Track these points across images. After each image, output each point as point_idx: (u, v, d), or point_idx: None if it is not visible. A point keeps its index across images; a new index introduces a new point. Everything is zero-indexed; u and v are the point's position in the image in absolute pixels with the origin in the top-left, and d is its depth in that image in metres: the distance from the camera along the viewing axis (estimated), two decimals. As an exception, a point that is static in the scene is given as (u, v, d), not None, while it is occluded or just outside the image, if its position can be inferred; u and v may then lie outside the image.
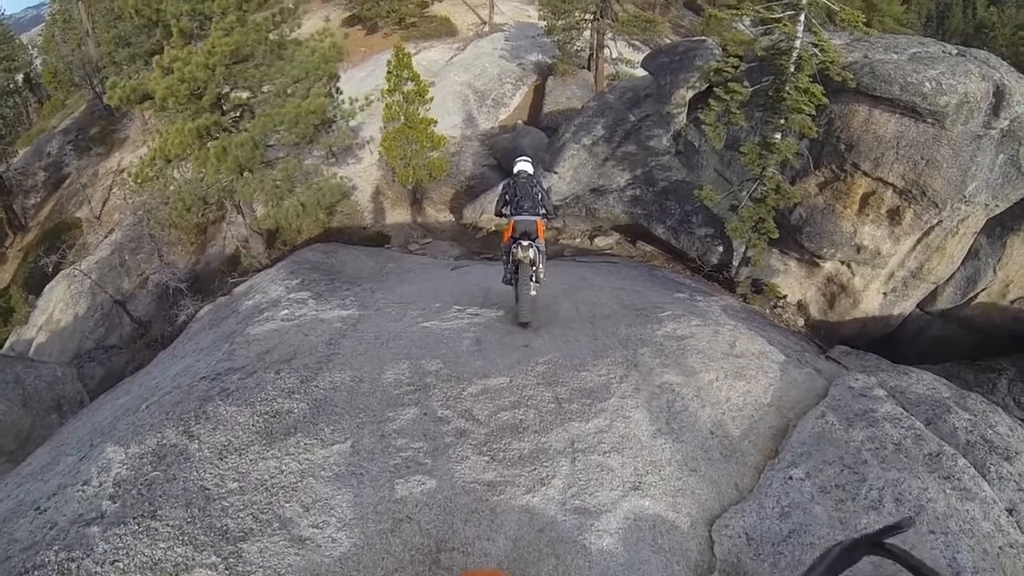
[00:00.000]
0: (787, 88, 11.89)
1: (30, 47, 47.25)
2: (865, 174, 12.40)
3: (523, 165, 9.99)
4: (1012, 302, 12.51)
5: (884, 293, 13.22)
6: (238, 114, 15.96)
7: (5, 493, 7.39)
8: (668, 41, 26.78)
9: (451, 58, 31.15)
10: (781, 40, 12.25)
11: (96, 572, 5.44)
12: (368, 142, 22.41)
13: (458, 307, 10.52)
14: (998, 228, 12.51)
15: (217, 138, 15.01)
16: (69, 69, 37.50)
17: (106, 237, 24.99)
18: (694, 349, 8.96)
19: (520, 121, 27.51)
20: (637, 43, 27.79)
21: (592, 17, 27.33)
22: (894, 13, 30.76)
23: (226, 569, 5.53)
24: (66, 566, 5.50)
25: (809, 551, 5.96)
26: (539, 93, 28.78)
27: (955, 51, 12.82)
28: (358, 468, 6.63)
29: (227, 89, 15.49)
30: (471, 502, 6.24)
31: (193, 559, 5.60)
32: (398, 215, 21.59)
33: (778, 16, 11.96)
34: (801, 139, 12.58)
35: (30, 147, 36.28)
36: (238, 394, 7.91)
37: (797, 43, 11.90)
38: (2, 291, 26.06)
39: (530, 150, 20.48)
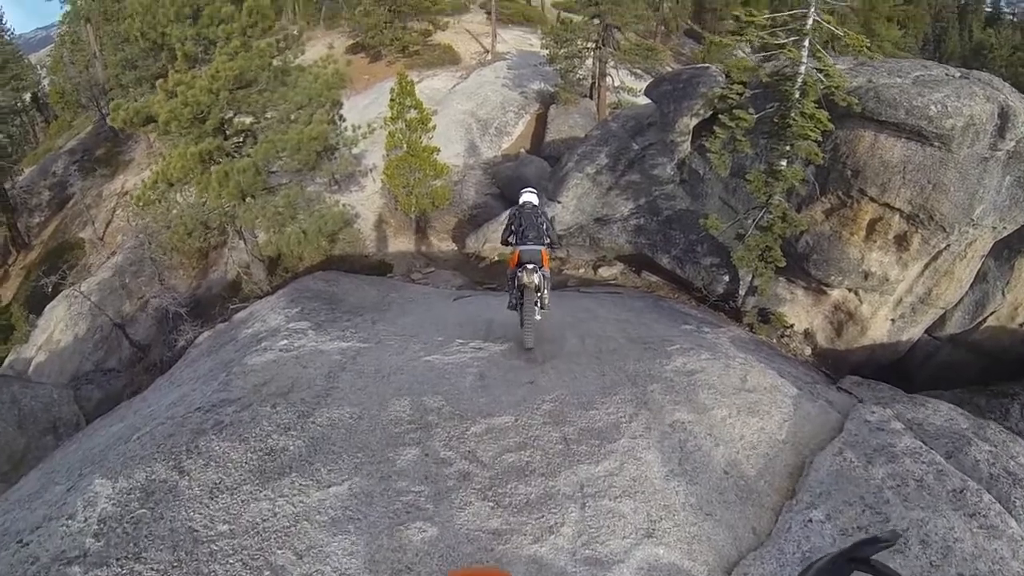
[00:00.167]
0: (792, 114, 11.63)
1: (39, 67, 47.52)
2: (872, 200, 12.11)
3: (529, 196, 9.95)
4: (1021, 325, 12.30)
5: (892, 320, 12.93)
6: (241, 139, 15.80)
7: (-10, 521, 6.98)
8: (670, 69, 26.65)
9: (454, 86, 31.05)
10: (785, 66, 12.09)
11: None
12: (371, 170, 22.24)
13: (461, 340, 10.11)
14: (1006, 251, 12.27)
15: (219, 163, 14.82)
16: (76, 90, 37.56)
17: (108, 259, 24.75)
18: (705, 384, 8.58)
19: (523, 150, 27.31)
20: (639, 71, 27.68)
21: (594, 46, 27.31)
22: (892, 37, 30.82)
23: (212, 623, 5.10)
24: (44, 609, 5.04)
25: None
26: (542, 122, 28.64)
27: (958, 73, 12.65)
28: (356, 513, 6.20)
29: (230, 114, 15.34)
30: (475, 551, 5.81)
31: (177, 610, 5.17)
32: (401, 244, 21.34)
33: (782, 42, 11.79)
34: (807, 166, 12.37)
35: (36, 166, 36.24)
36: (232, 428, 7.49)
37: (802, 68, 11.64)
38: (3, 309, 25.76)
39: (533, 179, 20.32)
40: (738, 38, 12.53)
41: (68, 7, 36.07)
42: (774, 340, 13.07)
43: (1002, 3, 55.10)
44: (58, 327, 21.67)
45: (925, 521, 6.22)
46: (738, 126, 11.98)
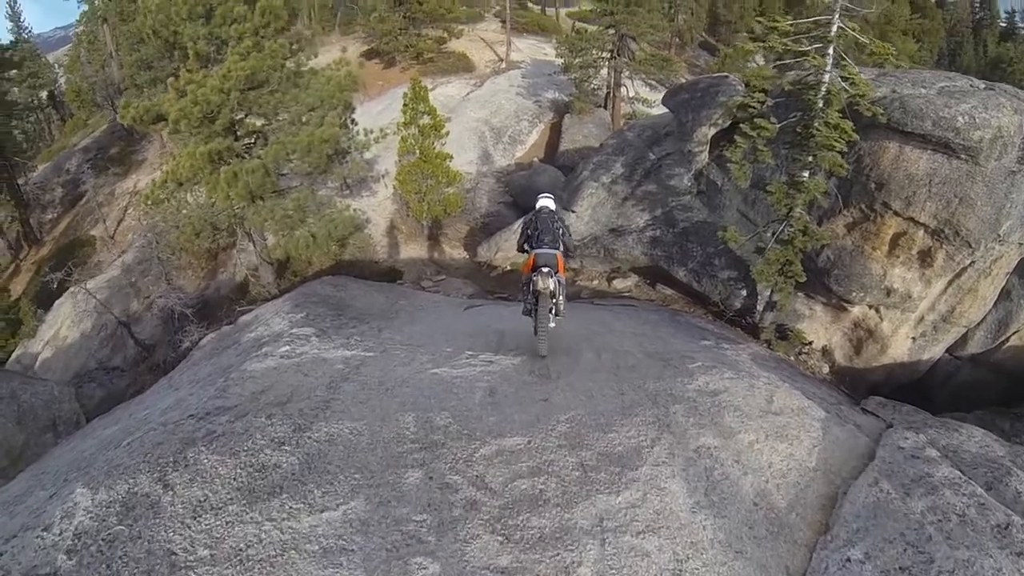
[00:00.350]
0: (816, 124, 11.20)
1: (56, 66, 47.55)
2: (896, 214, 11.57)
3: (545, 201, 9.61)
4: (1045, 345, 11.67)
5: (913, 338, 12.31)
6: (252, 141, 15.42)
7: (-28, 524, 6.51)
8: (684, 80, 26.10)
9: (468, 94, 30.55)
10: (808, 74, 11.65)
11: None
12: (383, 176, 21.74)
13: (471, 352, 9.44)
14: (1031, 268, 11.71)
15: (229, 163, 14.47)
16: (92, 89, 37.40)
17: (119, 257, 24.36)
18: (730, 406, 7.92)
19: (536, 159, 26.76)
20: (653, 82, 27.21)
21: (609, 55, 26.80)
22: (909, 51, 30.23)
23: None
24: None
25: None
26: (556, 131, 28.05)
27: (983, 85, 12.20)
28: (349, 543, 5.54)
29: (241, 115, 14.96)
30: (482, 594, 5.13)
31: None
32: (412, 250, 20.79)
33: (805, 49, 11.28)
34: (830, 178, 11.93)
35: (50, 163, 35.92)
36: (223, 440, 6.90)
37: (826, 77, 11.27)
38: (12, 303, 25.37)
39: (547, 188, 19.47)
40: (760, 44, 12.04)
41: (85, 7, 36.11)
42: (791, 357, 12.53)
43: (1016, 18, 54.48)
44: (65, 323, 21.33)
45: (971, 561, 5.67)
46: (760, 135, 11.50)
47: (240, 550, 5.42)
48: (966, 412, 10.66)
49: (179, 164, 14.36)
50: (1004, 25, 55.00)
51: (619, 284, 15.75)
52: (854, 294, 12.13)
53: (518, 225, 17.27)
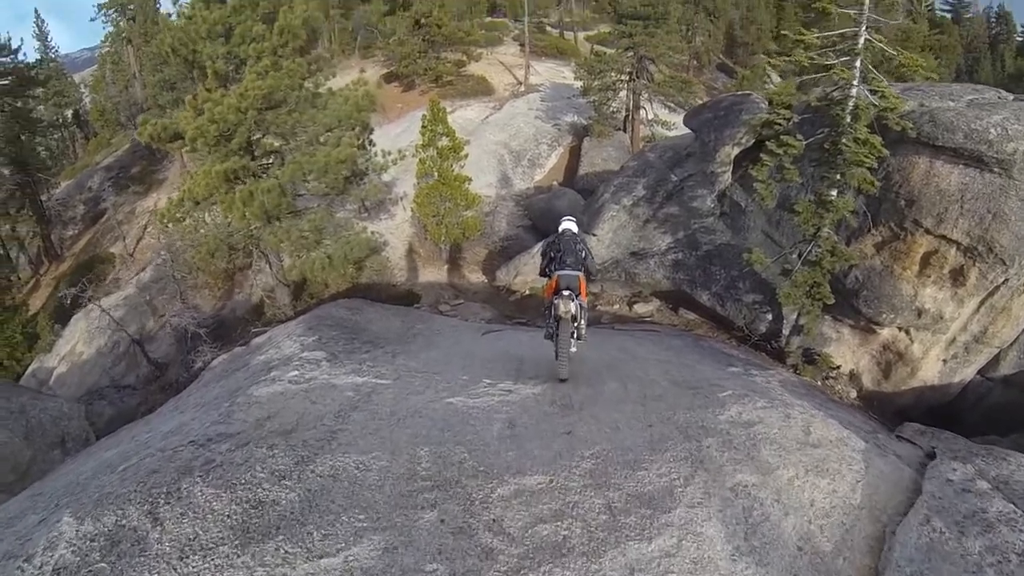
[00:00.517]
0: (844, 140, 10.77)
1: (82, 86, 48.06)
2: (927, 231, 11.10)
3: (568, 224, 9.46)
4: (1080, 366, 11.10)
5: (944, 360, 11.67)
6: (269, 160, 15.27)
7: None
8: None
9: (487, 117, 30.29)
10: (835, 88, 11.24)
11: None
12: (402, 198, 21.56)
13: (488, 380, 8.82)
14: (1065, 285, 11.20)
15: (245, 183, 14.31)
16: (116, 109, 37.79)
17: (137, 275, 24.22)
18: (766, 438, 7.27)
19: (556, 182, 26.40)
20: (672, 104, 26.77)
21: (628, 78, 26.42)
22: (930, 67, 29.57)
23: None
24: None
25: None
26: (575, 154, 27.71)
27: (1011, 96, 11.92)
28: (350, 598, 4.93)
29: (259, 135, 14.84)
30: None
31: None
32: (429, 274, 20.44)
33: (831, 62, 10.90)
34: (858, 196, 11.49)
35: (73, 180, 36.10)
36: (221, 470, 6.34)
37: (853, 91, 10.85)
38: (31, 317, 25.24)
39: (566, 212, 19.12)
40: (785, 59, 11.70)
41: (111, 28, 36.31)
42: (819, 383, 11.99)
43: None
44: (81, 339, 21.32)
45: (1037, 610, 4.98)
46: (786, 153, 11.15)
47: (228, 601, 4.84)
48: (1000, 436, 10.09)
49: (195, 183, 14.25)
50: (1021, 39, 54.43)
51: (640, 309, 15.16)
52: (884, 316, 11.64)
53: (537, 249, 16.87)
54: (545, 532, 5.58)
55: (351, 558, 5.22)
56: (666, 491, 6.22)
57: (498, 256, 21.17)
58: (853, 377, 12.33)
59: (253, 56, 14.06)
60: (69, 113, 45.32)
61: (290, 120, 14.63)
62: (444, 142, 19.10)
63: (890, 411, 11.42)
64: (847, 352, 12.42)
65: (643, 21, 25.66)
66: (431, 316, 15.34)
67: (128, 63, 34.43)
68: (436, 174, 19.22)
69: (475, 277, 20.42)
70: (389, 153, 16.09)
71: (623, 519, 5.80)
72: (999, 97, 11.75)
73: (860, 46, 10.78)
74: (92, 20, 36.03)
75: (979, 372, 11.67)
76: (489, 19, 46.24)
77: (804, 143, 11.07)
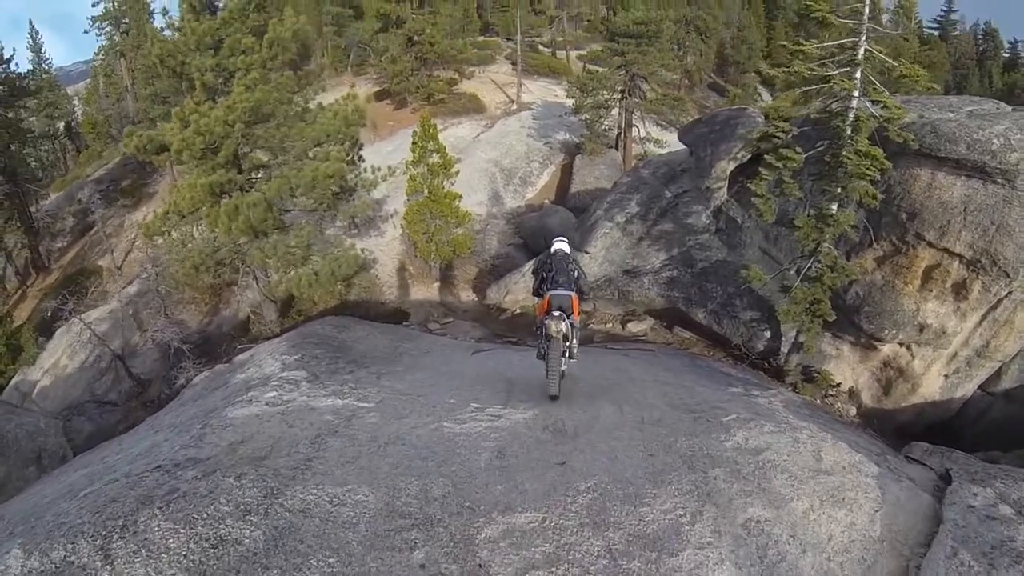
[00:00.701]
0: (845, 152, 10.43)
1: (76, 98, 47.57)
2: (929, 244, 10.88)
3: (560, 245, 9.43)
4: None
5: (946, 375, 11.42)
6: (257, 175, 14.87)
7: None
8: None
9: (478, 135, 29.85)
10: (834, 100, 10.97)
11: None
12: (392, 215, 21.13)
13: (476, 404, 8.21)
14: (1067, 298, 10.90)
15: (232, 197, 13.96)
16: (108, 121, 37.22)
17: (124, 288, 23.54)
18: (776, 467, 6.72)
19: (547, 200, 25.94)
20: (664, 123, 26.44)
21: (620, 96, 26.07)
22: (910, 88, 29.54)
23: None
24: None
25: None
26: (567, 172, 27.27)
27: (1010, 108, 11.74)
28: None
29: (247, 149, 14.49)
30: None
31: None
32: (419, 292, 19.92)
33: (830, 73, 10.65)
34: (858, 209, 11.19)
35: (62, 192, 35.38)
36: (183, 502, 5.74)
37: (854, 102, 10.59)
38: (15, 330, 24.56)
39: (558, 230, 19.09)
40: (787, 71, 11.24)
41: (105, 41, 35.79)
42: (818, 400, 11.61)
43: (1020, 47, 54.25)
44: (64, 353, 20.52)
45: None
46: (786, 166, 10.83)
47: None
48: (1003, 451, 9.72)
49: (181, 196, 13.86)
50: (1008, 56, 54.68)
51: (634, 327, 14.63)
52: (886, 332, 11.38)
53: (528, 267, 16.41)
54: (537, 580, 4.95)
55: (318, 611, 4.58)
56: (672, 530, 5.62)
57: (489, 274, 20.69)
58: (853, 394, 12.10)
59: (242, 69, 13.65)
60: (61, 125, 44.66)
61: (278, 134, 14.25)
62: (435, 159, 18.64)
63: (890, 428, 11.18)
64: (847, 369, 12.14)
65: (636, 39, 25.45)
66: (420, 334, 14.81)
67: (121, 76, 33.95)
68: (426, 191, 18.75)
69: (465, 295, 19.91)
70: (379, 169, 15.70)
71: (625, 564, 5.18)
72: (998, 108, 11.57)
73: (860, 56, 10.51)
74: (86, 32, 35.48)
75: (980, 387, 11.41)
76: (482, 38, 46.01)
77: (803, 156, 10.73)
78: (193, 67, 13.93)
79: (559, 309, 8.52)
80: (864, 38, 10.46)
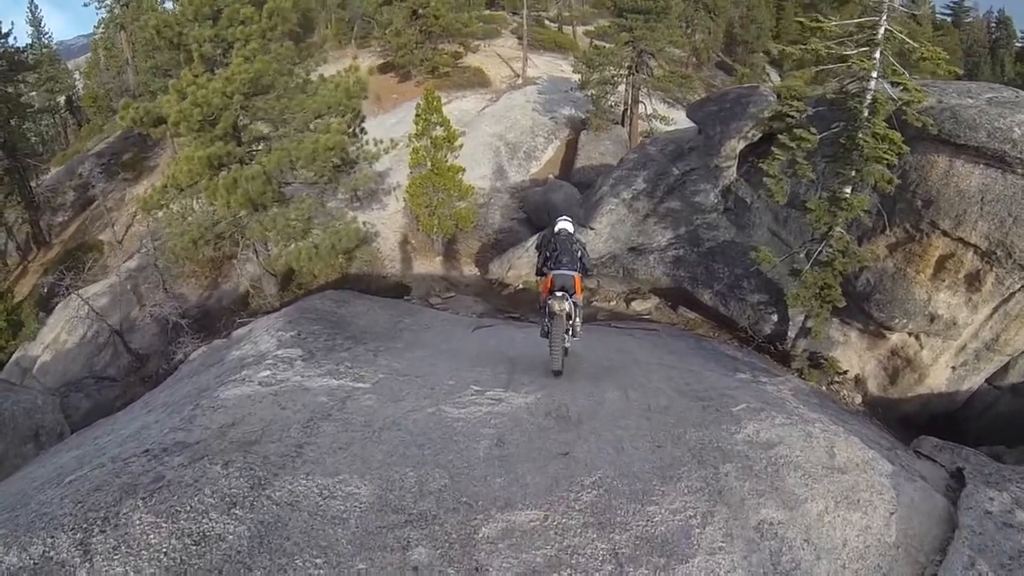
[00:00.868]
0: (861, 134, 9.90)
1: (76, 72, 46.81)
2: (944, 233, 10.47)
3: (564, 224, 9.31)
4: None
5: (953, 367, 11.12)
6: (257, 147, 14.44)
7: None
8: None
9: (483, 109, 29.11)
10: (851, 80, 10.44)
11: None
12: (395, 188, 20.66)
13: (476, 387, 7.79)
14: (1078, 292, 10.59)
15: (230, 169, 13.52)
16: (109, 95, 36.39)
17: (124, 262, 23.14)
18: (789, 463, 6.31)
19: (552, 175, 25.29)
20: (671, 100, 25.83)
21: (627, 72, 25.34)
22: (931, 71, 28.83)
23: None
24: None
25: None
26: (572, 147, 26.59)
27: None
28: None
29: (246, 121, 14.08)
30: None
31: None
32: (421, 266, 19.47)
33: (848, 53, 10.04)
34: (872, 194, 10.68)
35: (63, 166, 34.74)
36: (167, 492, 5.38)
37: (872, 83, 10.02)
38: (16, 305, 24.28)
39: (562, 205, 18.59)
40: (805, 48, 10.58)
41: (105, 14, 35.06)
42: (823, 387, 11.24)
43: None
44: (64, 328, 20.19)
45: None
46: (799, 147, 10.25)
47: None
48: (1007, 447, 9.47)
49: (179, 168, 13.50)
50: (1021, 45, 53.66)
51: (638, 306, 14.16)
52: (896, 320, 11.01)
53: (532, 242, 15.97)
54: (538, 586, 4.52)
55: (301, 618, 4.19)
56: (682, 532, 5.21)
57: (491, 249, 20.20)
58: (859, 382, 11.70)
59: (241, 39, 13.19)
60: (62, 99, 43.99)
61: (278, 106, 13.83)
62: (438, 131, 18.10)
63: (894, 417, 10.91)
64: (854, 356, 11.75)
65: (644, 15, 24.67)
66: (421, 309, 14.44)
67: (121, 49, 33.23)
68: (429, 164, 18.23)
69: (468, 270, 19.47)
70: (381, 142, 15.23)
71: (632, 571, 4.76)
72: (1016, 96, 10.99)
73: (880, 36, 9.90)
74: (85, 5, 34.63)
75: (987, 380, 11.13)
76: (487, 12, 45.04)
77: (818, 137, 10.22)
78: (191, 38, 13.50)
79: (562, 289, 8.57)
80: (884, 17, 9.87)
